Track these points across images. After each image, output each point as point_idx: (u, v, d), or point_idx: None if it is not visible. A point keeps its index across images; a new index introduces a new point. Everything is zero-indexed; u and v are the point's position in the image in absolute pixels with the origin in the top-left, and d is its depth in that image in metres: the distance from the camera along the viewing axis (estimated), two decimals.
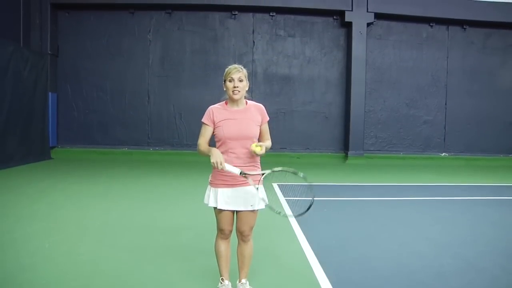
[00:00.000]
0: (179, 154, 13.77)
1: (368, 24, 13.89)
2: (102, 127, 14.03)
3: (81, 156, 13.47)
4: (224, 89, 3.19)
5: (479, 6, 13.91)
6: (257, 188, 3.06)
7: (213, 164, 3.00)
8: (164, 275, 3.80)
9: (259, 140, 3.25)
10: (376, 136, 14.53)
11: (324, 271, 3.89)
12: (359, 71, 13.85)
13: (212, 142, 3.22)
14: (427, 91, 14.68)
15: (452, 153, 14.72)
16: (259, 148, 3.05)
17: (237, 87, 3.09)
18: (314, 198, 3.02)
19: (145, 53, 14.07)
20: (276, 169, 3.11)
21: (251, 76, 13.66)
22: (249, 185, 3.15)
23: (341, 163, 13.72)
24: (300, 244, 4.72)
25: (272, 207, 3.11)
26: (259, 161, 3.26)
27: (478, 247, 4.79)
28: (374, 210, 6.81)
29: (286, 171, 3.10)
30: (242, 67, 3.16)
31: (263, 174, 3.09)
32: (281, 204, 3.15)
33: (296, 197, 3.09)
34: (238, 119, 3.15)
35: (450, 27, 14.59)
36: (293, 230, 5.30)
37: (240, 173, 3.05)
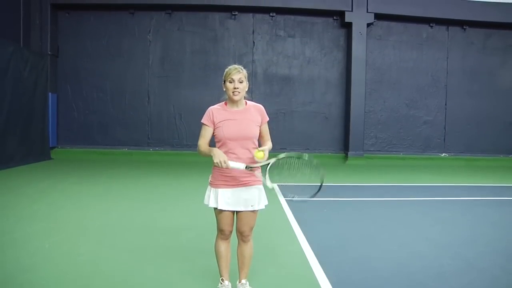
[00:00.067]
0: (179, 154, 13.77)
1: (368, 25, 13.89)
2: (102, 127, 14.03)
3: (81, 156, 13.47)
4: (224, 89, 3.18)
5: (479, 7, 13.91)
6: (265, 178, 3.05)
7: (217, 164, 3.00)
8: (164, 275, 3.80)
9: (259, 141, 3.25)
10: (376, 137, 14.53)
11: (324, 272, 3.89)
12: (359, 71, 13.86)
13: (212, 143, 3.21)
14: (427, 92, 14.68)
15: (452, 154, 14.73)
16: (262, 154, 3.04)
17: (237, 88, 3.09)
18: (324, 177, 3.03)
19: (145, 54, 14.07)
20: (280, 156, 3.10)
21: (251, 77, 13.67)
22: (250, 185, 3.16)
23: (341, 163, 13.72)
24: (300, 245, 4.72)
25: (285, 193, 3.08)
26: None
27: (478, 247, 4.79)
28: (374, 211, 6.81)
29: (290, 156, 3.10)
30: (242, 68, 3.15)
31: (268, 164, 3.07)
32: (293, 189, 3.13)
33: (306, 179, 3.08)
34: (238, 120, 3.15)
35: (450, 27, 14.60)
36: (293, 231, 5.30)
37: (246, 167, 3.05)
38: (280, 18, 14.23)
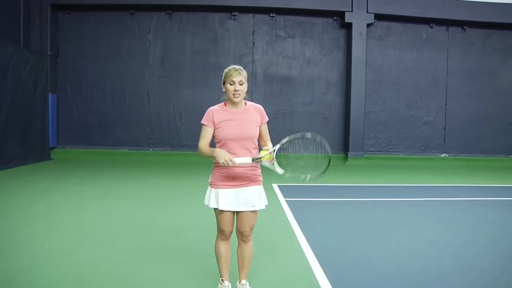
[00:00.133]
0: (179, 155, 13.77)
1: (368, 25, 13.90)
2: (102, 127, 14.04)
3: (81, 156, 13.47)
4: (224, 90, 3.18)
5: (479, 7, 13.92)
6: (274, 165, 3.05)
7: (223, 164, 2.98)
8: (164, 275, 3.80)
9: (259, 142, 3.25)
10: (376, 137, 14.54)
11: (324, 272, 3.89)
12: (359, 72, 13.86)
13: (212, 145, 3.21)
14: (427, 92, 14.69)
15: (452, 154, 14.73)
16: (270, 156, 3.04)
17: (238, 90, 3.09)
18: (330, 150, 3.04)
19: (145, 54, 14.08)
20: (283, 141, 3.09)
21: (251, 77, 13.68)
22: (250, 185, 3.16)
23: (341, 164, 13.72)
24: (300, 245, 4.72)
25: (296, 176, 3.08)
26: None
27: (478, 247, 4.79)
28: (374, 211, 6.81)
29: (293, 138, 3.10)
30: (242, 69, 3.15)
31: (273, 150, 3.07)
32: (304, 169, 3.12)
33: (313, 157, 3.08)
34: (238, 120, 3.15)
35: (450, 28, 14.60)
36: (293, 231, 5.30)
37: (252, 159, 3.05)
38: (280, 18, 14.24)
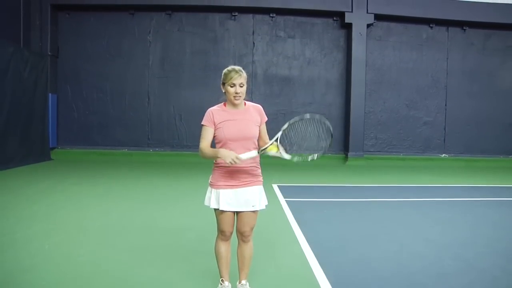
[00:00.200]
0: (179, 155, 13.77)
1: (368, 25, 13.90)
2: (102, 128, 14.04)
3: (81, 157, 13.47)
4: (223, 91, 3.17)
5: (479, 7, 13.92)
6: (280, 153, 3.05)
7: (231, 163, 2.97)
8: (164, 276, 3.80)
9: (258, 142, 3.25)
10: (376, 137, 14.54)
11: (324, 272, 3.89)
12: (359, 72, 13.86)
13: (212, 146, 3.21)
14: (427, 92, 14.69)
15: (452, 154, 14.73)
16: (274, 144, 3.05)
17: (239, 93, 3.09)
18: (330, 125, 3.08)
19: (145, 54, 14.08)
20: (284, 127, 3.10)
21: (251, 78, 13.68)
22: (250, 185, 3.16)
23: (341, 164, 13.72)
24: (300, 245, 4.72)
25: (304, 158, 3.08)
26: (259, 161, 3.27)
27: (478, 248, 4.79)
28: (374, 211, 6.81)
29: (293, 122, 3.11)
30: (242, 70, 3.13)
31: (277, 138, 3.07)
32: (310, 149, 3.13)
33: (315, 135, 3.09)
34: (238, 120, 3.15)
35: (450, 28, 14.60)
36: (293, 231, 5.30)
37: (258, 151, 3.06)
38: (280, 18, 14.25)
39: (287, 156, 3.07)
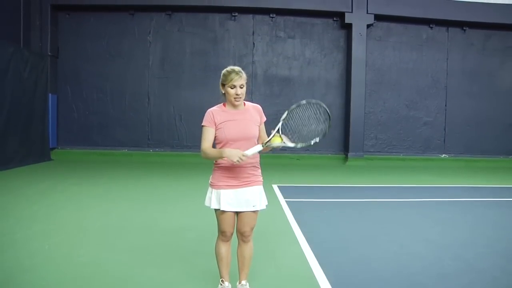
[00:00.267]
0: (179, 155, 13.76)
1: (368, 26, 13.90)
2: (102, 128, 14.04)
3: (81, 157, 13.47)
4: (223, 91, 3.16)
5: (479, 8, 13.93)
6: (284, 143, 3.06)
7: (238, 162, 2.95)
8: (164, 276, 3.80)
9: (258, 141, 3.24)
10: (376, 138, 14.54)
11: (324, 272, 3.89)
12: (359, 72, 13.86)
13: (212, 146, 3.21)
14: (427, 93, 14.69)
15: (452, 155, 14.73)
16: (276, 135, 3.06)
17: (239, 94, 3.09)
18: (328, 108, 3.11)
19: (145, 55, 14.08)
20: (283, 116, 3.11)
21: (251, 78, 13.69)
22: (251, 185, 3.16)
23: (341, 164, 13.72)
24: (300, 245, 4.72)
25: (307, 143, 3.10)
26: (259, 161, 3.28)
27: (478, 248, 4.79)
28: (374, 212, 6.81)
29: (292, 110, 3.12)
30: (242, 70, 3.12)
31: (277, 130, 3.08)
32: (310, 134, 3.15)
33: (314, 119, 3.11)
34: (238, 120, 3.15)
35: (450, 28, 14.61)
36: (293, 232, 5.30)
37: (262, 145, 3.06)
38: (280, 19, 14.25)
39: (291, 144, 3.10)
